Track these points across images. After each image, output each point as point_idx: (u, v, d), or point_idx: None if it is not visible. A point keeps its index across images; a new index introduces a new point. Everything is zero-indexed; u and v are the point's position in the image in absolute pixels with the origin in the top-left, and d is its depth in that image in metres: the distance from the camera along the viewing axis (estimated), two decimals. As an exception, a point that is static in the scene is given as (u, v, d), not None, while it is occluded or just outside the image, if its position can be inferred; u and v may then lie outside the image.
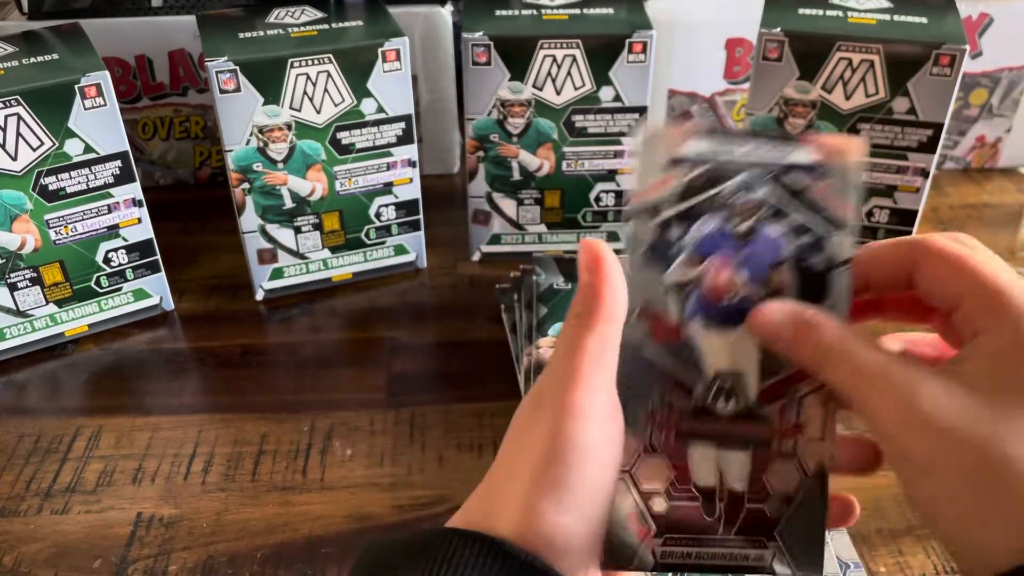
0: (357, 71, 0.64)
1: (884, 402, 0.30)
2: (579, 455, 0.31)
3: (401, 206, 0.71)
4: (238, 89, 0.62)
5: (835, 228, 0.34)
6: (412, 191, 0.70)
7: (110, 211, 0.63)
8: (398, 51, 0.64)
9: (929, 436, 0.28)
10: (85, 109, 0.59)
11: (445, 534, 0.31)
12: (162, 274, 0.68)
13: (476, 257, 0.76)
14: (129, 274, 0.67)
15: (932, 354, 0.34)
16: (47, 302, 0.64)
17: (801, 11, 0.66)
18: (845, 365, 0.31)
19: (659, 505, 0.34)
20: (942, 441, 0.28)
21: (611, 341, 0.32)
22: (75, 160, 0.60)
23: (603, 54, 0.66)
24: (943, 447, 0.28)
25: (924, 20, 0.64)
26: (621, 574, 0.36)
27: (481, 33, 0.65)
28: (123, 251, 0.65)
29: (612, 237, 0.74)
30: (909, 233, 0.69)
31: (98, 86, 0.59)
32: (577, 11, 0.68)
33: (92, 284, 0.66)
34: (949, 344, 0.34)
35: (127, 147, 0.62)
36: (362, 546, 0.33)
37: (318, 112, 0.64)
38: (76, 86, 0.59)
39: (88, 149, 0.61)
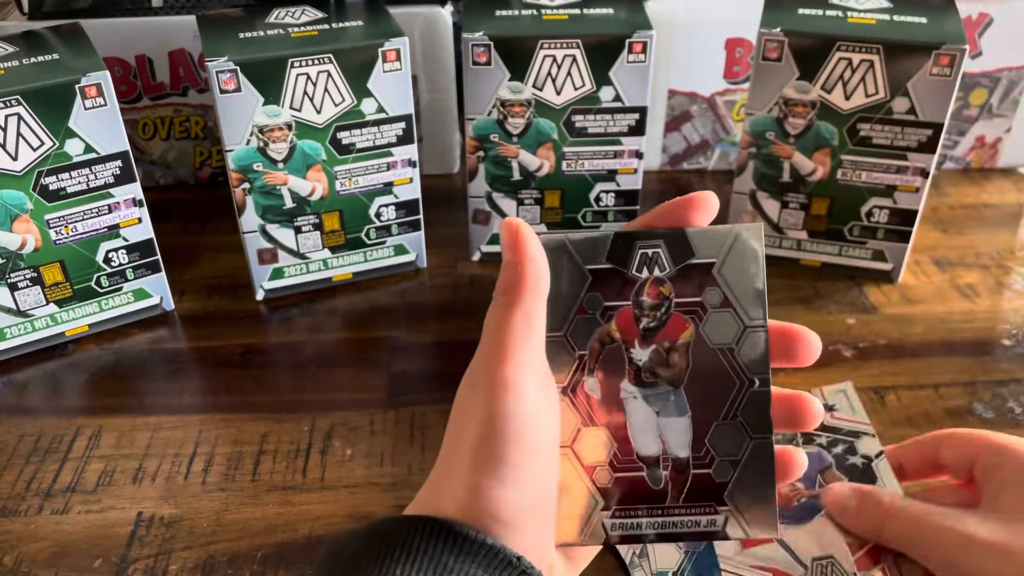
0: (357, 71, 0.64)
1: (945, 537, 0.39)
2: (515, 428, 0.31)
3: (401, 206, 0.71)
4: (238, 89, 0.62)
5: (856, 438, 0.47)
6: (412, 191, 0.70)
7: (110, 211, 0.63)
8: (398, 51, 0.64)
9: (987, 553, 0.38)
10: (85, 109, 0.59)
11: (397, 522, 0.31)
12: (162, 274, 0.68)
13: (476, 257, 0.76)
14: (129, 274, 0.67)
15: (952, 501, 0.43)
16: (47, 302, 0.65)
17: (801, 11, 0.66)
18: (905, 517, 0.41)
19: (604, 478, 0.35)
20: (995, 554, 0.37)
21: (536, 314, 0.33)
22: (75, 160, 0.60)
23: (603, 54, 0.66)
24: (997, 559, 0.37)
25: (924, 20, 0.64)
26: (577, 549, 0.36)
27: (481, 33, 0.65)
28: (123, 251, 0.66)
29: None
30: (909, 234, 0.69)
31: (98, 86, 0.59)
32: (577, 11, 0.68)
33: (92, 284, 0.66)
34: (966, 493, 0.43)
35: (127, 147, 0.62)
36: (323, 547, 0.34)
37: (318, 112, 0.64)
38: (76, 86, 0.59)
39: (88, 149, 0.61)
